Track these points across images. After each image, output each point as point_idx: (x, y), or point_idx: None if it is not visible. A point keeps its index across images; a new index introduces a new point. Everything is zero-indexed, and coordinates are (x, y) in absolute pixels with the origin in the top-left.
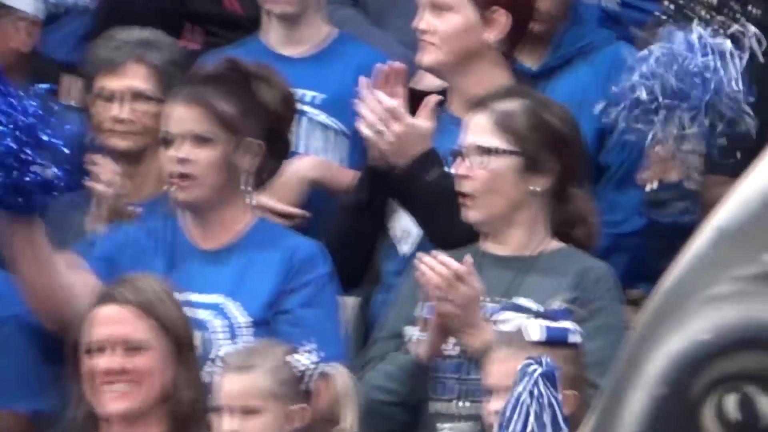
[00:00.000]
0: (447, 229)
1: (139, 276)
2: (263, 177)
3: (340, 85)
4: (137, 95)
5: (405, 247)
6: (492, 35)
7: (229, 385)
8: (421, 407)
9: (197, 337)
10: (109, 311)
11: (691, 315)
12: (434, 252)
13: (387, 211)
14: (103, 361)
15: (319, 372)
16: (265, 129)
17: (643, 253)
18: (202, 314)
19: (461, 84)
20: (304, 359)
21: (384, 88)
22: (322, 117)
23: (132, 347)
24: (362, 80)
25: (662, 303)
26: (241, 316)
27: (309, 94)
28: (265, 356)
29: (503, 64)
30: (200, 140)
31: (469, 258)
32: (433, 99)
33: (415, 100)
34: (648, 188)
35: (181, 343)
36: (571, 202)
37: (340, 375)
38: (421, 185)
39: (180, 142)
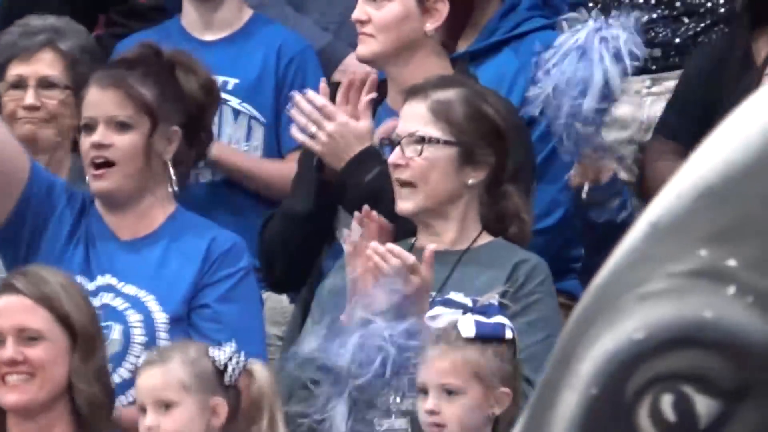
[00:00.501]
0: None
1: (41, 267)
2: (183, 166)
3: (254, 70)
4: (47, 82)
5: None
6: (431, 24)
7: (145, 380)
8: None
9: (116, 330)
10: (7, 301)
11: (624, 313)
12: (389, 244)
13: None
14: (5, 354)
15: (242, 367)
16: (185, 116)
17: (553, 249)
18: (120, 305)
19: (399, 75)
20: (223, 353)
21: (346, 99)
22: (235, 103)
23: (29, 337)
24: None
25: (594, 300)
26: (158, 312)
27: (222, 80)
28: (181, 349)
29: (442, 55)
30: (119, 125)
31: (429, 248)
32: (367, 97)
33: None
34: (583, 193)
35: (82, 336)
36: (505, 197)
37: (262, 371)
38: (360, 186)
39: (98, 126)
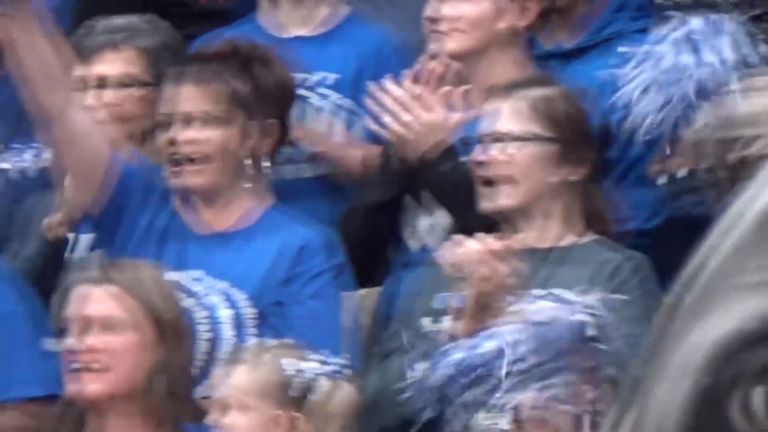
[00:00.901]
0: (463, 219)
1: (131, 259)
2: (268, 159)
3: (352, 65)
4: (123, 80)
5: (417, 243)
6: (519, 22)
7: (224, 378)
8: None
9: (205, 323)
10: (88, 290)
11: (716, 306)
12: (478, 234)
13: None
14: (77, 341)
15: (317, 382)
16: (271, 110)
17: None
18: (210, 301)
19: (483, 72)
20: (304, 365)
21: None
22: (333, 98)
23: (113, 326)
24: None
25: (685, 294)
26: (247, 307)
27: (319, 75)
28: (264, 355)
29: (525, 53)
30: (209, 121)
31: (514, 239)
32: (444, 90)
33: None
34: (679, 174)
35: (168, 329)
36: (595, 195)
37: (339, 389)
38: (435, 177)
39: (187, 123)
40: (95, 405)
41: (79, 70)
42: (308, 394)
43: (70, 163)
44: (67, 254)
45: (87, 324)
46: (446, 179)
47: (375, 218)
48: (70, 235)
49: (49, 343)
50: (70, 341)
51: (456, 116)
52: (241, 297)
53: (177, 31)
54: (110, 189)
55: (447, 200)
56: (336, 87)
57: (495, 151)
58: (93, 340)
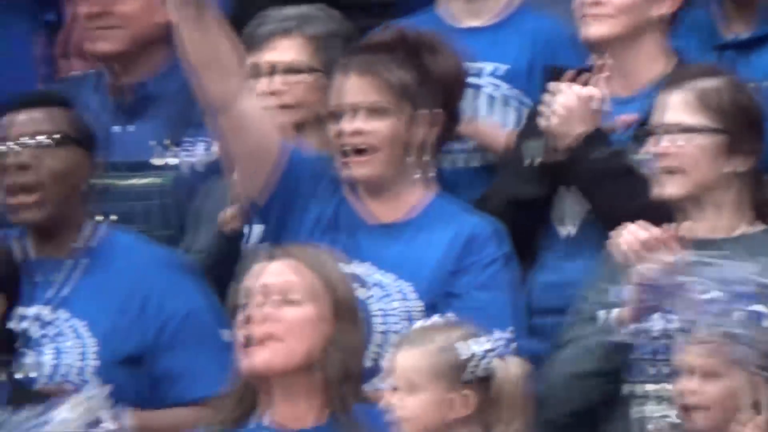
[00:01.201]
0: (613, 207)
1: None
2: (434, 149)
3: (524, 55)
4: (293, 67)
5: (567, 229)
6: (664, 9)
7: (394, 360)
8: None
9: (378, 315)
10: (267, 264)
11: None
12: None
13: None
14: (254, 311)
15: (491, 363)
16: (437, 99)
17: None
18: (381, 292)
19: (625, 59)
20: (475, 346)
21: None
22: (504, 88)
23: (286, 297)
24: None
25: None
26: (415, 300)
27: (490, 65)
28: (434, 335)
29: (666, 42)
30: (376, 111)
31: (680, 227)
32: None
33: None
34: None
35: (344, 307)
36: (762, 186)
37: (513, 369)
38: (586, 164)
39: (354, 113)
40: (266, 380)
41: (251, 58)
42: (481, 375)
43: (239, 153)
44: (242, 246)
45: (266, 294)
46: (595, 167)
47: (528, 211)
48: (245, 227)
49: (227, 336)
50: (247, 312)
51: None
52: (409, 289)
53: (353, 23)
54: (279, 178)
55: (594, 188)
56: (507, 78)
57: (665, 143)
58: (269, 310)
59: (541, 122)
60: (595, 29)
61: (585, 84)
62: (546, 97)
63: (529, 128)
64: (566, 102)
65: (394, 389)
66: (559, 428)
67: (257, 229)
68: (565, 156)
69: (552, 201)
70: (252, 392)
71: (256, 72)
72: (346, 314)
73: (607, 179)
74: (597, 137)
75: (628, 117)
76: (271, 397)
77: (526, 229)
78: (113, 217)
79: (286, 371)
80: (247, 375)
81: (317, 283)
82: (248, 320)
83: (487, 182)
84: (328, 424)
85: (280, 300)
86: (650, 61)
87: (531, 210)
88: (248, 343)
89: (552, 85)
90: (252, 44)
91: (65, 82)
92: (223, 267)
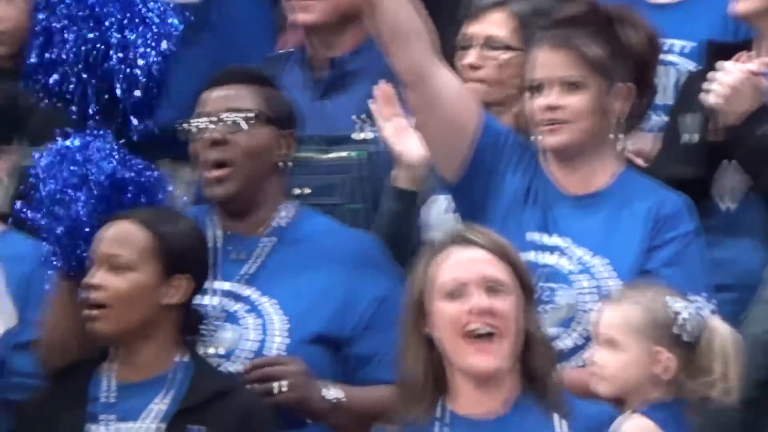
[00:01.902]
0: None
1: (487, 226)
2: (630, 122)
3: (711, 34)
4: (492, 43)
5: (726, 205)
6: None
7: (599, 316)
8: None
9: (563, 295)
10: (468, 252)
11: None
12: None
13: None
14: (473, 302)
15: (697, 322)
16: (632, 72)
17: None
18: (575, 268)
19: None
20: (684, 305)
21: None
22: (691, 66)
23: (496, 289)
24: None
25: None
26: (612, 278)
27: (678, 44)
28: (641, 292)
29: None
30: (571, 85)
31: None
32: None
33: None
34: None
35: (530, 292)
36: None
37: (720, 329)
38: (753, 140)
39: (549, 88)
40: (482, 380)
41: (465, 28)
42: (691, 332)
43: (432, 126)
44: (420, 214)
45: (481, 285)
46: (760, 144)
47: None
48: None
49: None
50: (455, 305)
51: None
52: (603, 266)
53: None
54: (474, 154)
55: (759, 165)
56: (692, 55)
57: None
58: (486, 302)
59: (706, 100)
60: (742, 3)
61: (749, 60)
62: (710, 74)
63: (685, 102)
64: (732, 80)
65: (599, 346)
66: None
67: (441, 199)
68: (727, 135)
69: (712, 177)
70: (438, 382)
71: (469, 43)
72: (533, 303)
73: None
74: (762, 114)
75: None
76: (456, 388)
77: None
78: (307, 190)
79: (507, 367)
80: (475, 373)
81: (509, 273)
82: (480, 312)
83: None
84: (520, 410)
85: (492, 292)
86: None
87: (690, 187)
88: (477, 336)
89: (717, 63)
90: (467, 14)
91: (272, 59)
92: (400, 233)
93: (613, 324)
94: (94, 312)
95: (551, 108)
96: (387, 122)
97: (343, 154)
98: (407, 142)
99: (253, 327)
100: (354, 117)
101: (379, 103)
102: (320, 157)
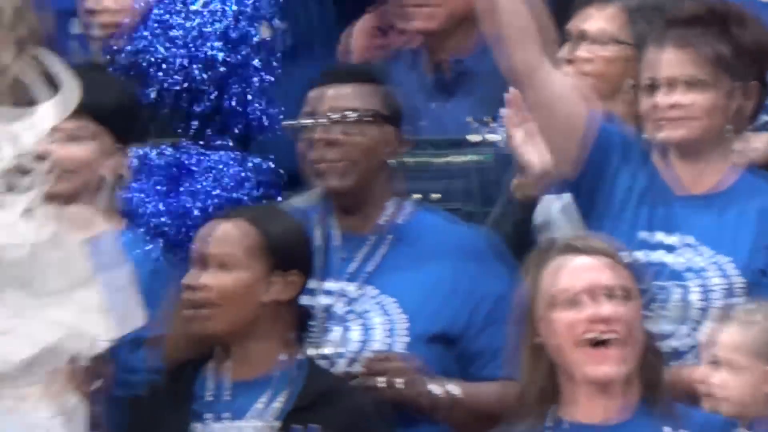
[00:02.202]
0: None
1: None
2: (745, 121)
3: None
4: (603, 37)
5: None
6: None
7: (716, 336)
8: None
9: (675, 292)
10: (580, 261)
11: None
12: None
13: None
14: (590, 311)
15: None
16: (751, 72)
17: None
18: (697, 263)
19: None
20: None
21: None
22: None
23: (618, 296)
24: None
25: None
26: (736, 276)
27: None
28: (759, 312)
29: None
30: (694, 84)
31: None
32: None
33: None
34: None
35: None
36: None
37: None
38: None
39: (672, 86)
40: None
41: (573, 23)
42: None
43: (547, 127)
44: (534, 216)
45: (596, 292)
46: None
47: None
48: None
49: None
50: (591, 312)
51: None
52: (730, 265)
53: None
54: (589, 151)
55: None
56: None
57: None
58: (605, 309)
59: None
60: None
61: None
62: None
63: None
64: None
65: (714, 365)
66: None
67: (553, 200)
68: None
69: None
70: (549, 390)
71: (574, 38)
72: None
73: None
74: None
75: None
76: (572, 395)
77: None
78: (435, 195)
79: (628, 372)
80: (595, 380)
81: (627, 277)
82: (599, 320)
83: None
84: (637, 417)
85: (609, 296)
86: None
87: None
88: (596, 344)
89: None
90: (574, 10)
91: (381, 59)
92: (515, 236)
93: (734, 346)
94: (203, 311)
95: (674, 107)
96: (517, 129)
97: (463, 158)
98: (535, 150)
99: (372, 326)
100: (470, 119)
101: (511, 109)
102: (439, 161)
